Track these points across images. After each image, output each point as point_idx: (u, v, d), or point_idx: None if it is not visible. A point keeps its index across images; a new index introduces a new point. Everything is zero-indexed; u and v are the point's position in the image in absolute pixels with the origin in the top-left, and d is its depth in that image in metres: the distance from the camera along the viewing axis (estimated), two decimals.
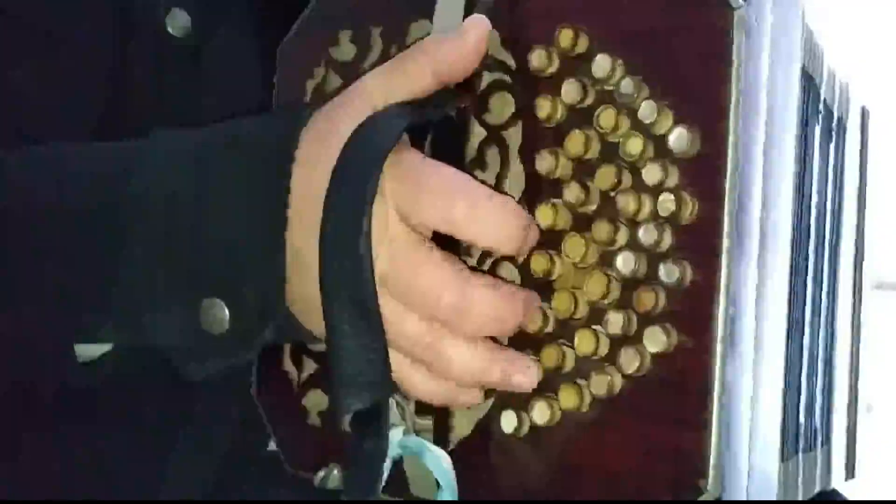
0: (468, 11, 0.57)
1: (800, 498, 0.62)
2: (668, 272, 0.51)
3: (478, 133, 0.57)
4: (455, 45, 0.54)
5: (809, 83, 0.60)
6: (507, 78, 0.57)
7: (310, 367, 0.63)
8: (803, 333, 0.60)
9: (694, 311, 0.51)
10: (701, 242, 0.51)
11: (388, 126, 0.51)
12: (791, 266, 0.54)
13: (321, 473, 0.60)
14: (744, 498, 0.52)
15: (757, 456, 0.52)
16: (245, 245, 0.53)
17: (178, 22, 0.66)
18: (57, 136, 0.61)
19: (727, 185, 0.50)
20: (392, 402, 0.53)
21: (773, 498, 0.53)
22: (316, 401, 0.62)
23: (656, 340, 0.51)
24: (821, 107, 0.61)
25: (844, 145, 0.64)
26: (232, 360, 0.55)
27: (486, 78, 0.57)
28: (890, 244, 0.69)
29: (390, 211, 0.51)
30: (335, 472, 0.60)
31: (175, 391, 0.64)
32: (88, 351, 0.58)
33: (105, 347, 0.58)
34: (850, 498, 0.69)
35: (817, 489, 0.64)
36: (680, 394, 0.51)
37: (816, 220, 0.61)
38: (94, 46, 0.65)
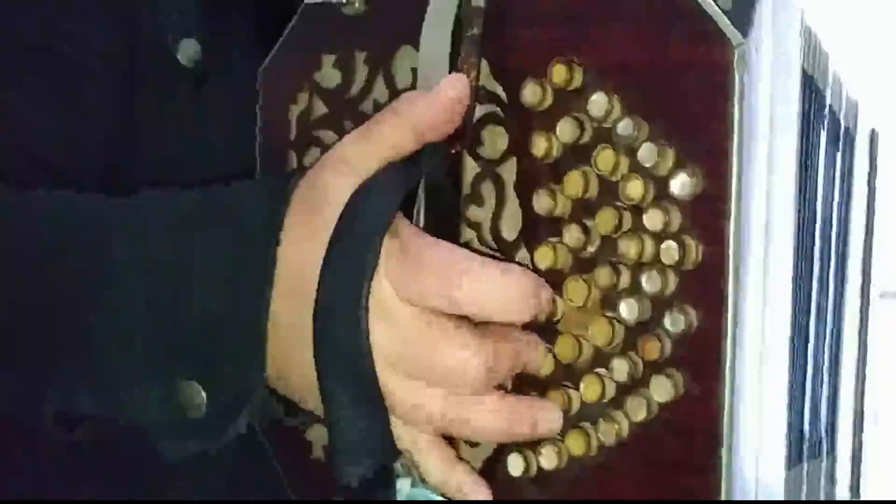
0: (455, 38, 0.55)
1: None
2: (673, 321, 0.50)
3: (471, 167, 0.55)
4: (432, 106, 0.52)
5: (811, 85, 0.58)
6: (499, 111, 0.55)
7: None
8: (808, 343, 0.60)
9: (700, 358, 0.50)
10: (706, 288, 0.49)
11: (384, 195, 0.50)
12: (794, 288, 0.53)
13: None
14: None
15: (764, 473, 0.52)
16: (225, 323, 0.52)
17: (188, 52, 0.64)
18: (66, 163, 0.61)
19: (731, 225, 0.49)
20: (398, 467, 0.53)
21: None
22: (319, 434, 0.62)
23: (663, 391, 0.50)
24: (826, 112, 0.60)
25: (853, 156, 0.62)
26: (210, 443, 0.54)
27: (478, 110, 0.55)
28: (893, 253, 0.68)
29: (387, 286, 0.49)
30: None
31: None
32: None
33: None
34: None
35: (821, 498, 0.64)
36: (688, 440, 0.50)
37: (822, 229, 0.60)
38: (104, 75, 0.63)
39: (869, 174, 0.65)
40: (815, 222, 0.61)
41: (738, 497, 0.50)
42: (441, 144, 0.53)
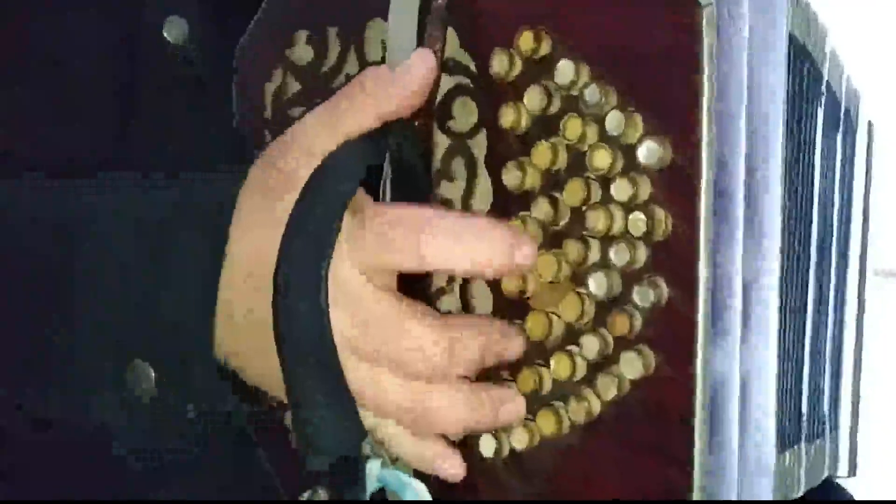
0: (424, 9, 0.54)
1: (802, 487, 0.60)
2: (641, 295, 0.48)
3: (441, 142, 0.54)
4: (399, 84, 0.50)
5: (806, 59, 0.56)
6: (469, 82, 0.53)
7: None
8: (806, 322, 0.58)
9: (671, 333, 0.48)
10: (676, 259, 0.48)
11: (343, 174, 0.49)
12: (784, 258, 0.51)
13: (306, 495, 0.59)
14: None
15: (750, 460, 0.50)
16: (173, 308, 0.51)
17: (176, 29, 0.63)
18: (63, 149, 0.60)
19: (702, 198, 0.47)
20: (367, 447, 0.52)
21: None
22: None
23: (633, 367, 0.48)
24: (822, 88, 0.58)
25: (855, 139, 0.60)
26: (164, 433, 0.54)
27: (447, 82, 0.54)
28: (886, 231, 0.66)
29: (346, 268, 0.48)
30: (320, 493, 0.59)
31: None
32: None
33: None
34: (850, 489, 0.67)
35: (824, 476, 0.62)
36: (662, 422, 0.48)
37: (821, 211, 0.58)
38: (100, 60, 0.63)
39: (867, 159, 0.63)
40: (812, 202, 0.59)
41: (718, 478, 0.49)
42: (403, 122, 0.52)
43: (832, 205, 0.61)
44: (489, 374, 0.52)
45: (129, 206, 0.54)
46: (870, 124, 0.65)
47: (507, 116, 0.51)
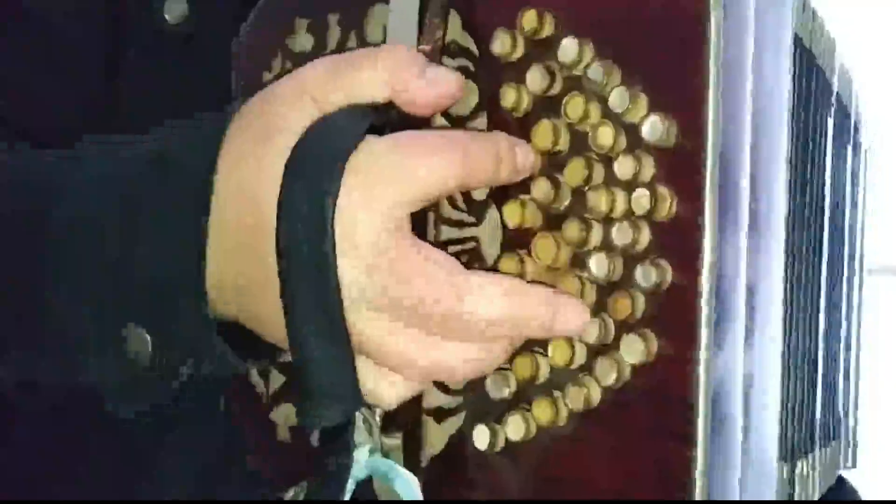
0: None
1: (818, 490, 0.58)
2: (644, 275, 0.47)
3: (441, 125, 0.53)
4: (425, 91, 0.48)
5: (814, 69, 0.56)
6: (470, 65, 0.52)
7: (277, 380, 0.59)
8: (818, 324, 0.57)
9: (674, 316, 0.46)
10: (680, 240, 0.46)
11: (348, 121, 0.47)
12: (789, 253, 0.50)
13: (291, 492, 0.57)
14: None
15: (753, 459, 0.48)
16: (166, 267, 0.49)
17: (175, 10, 0.63)
18: (50, 121, 0.59)
19: (707, 178, 0.46)
20: (359, 417, 0.50)
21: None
22: (285, 415, 0.59)
23: (634, 351, 0.47)
24: (833, 99, 0.57)
25: (861, 152, 0.60)
26: (158, 395, 0.52)
27: (449, 65, 0.53)
28: (880, 228, 0.65)
29: (356, 212, 0.46)
30: (305, 491, 0.57)
31: None
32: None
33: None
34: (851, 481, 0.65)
35: (838, 472, 0.61)
36: (662, 406, 0.47)
37: (831, 215, 0.57)
38: (90, 34, 0.62)
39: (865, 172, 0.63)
40: (822, 210, 0.58)
41: (722, 470, 0.47)
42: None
43: (841, 213, 0.60)
44: None
45: (106, 156, 0.53)
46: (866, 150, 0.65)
47: (508, 96, 0.50)
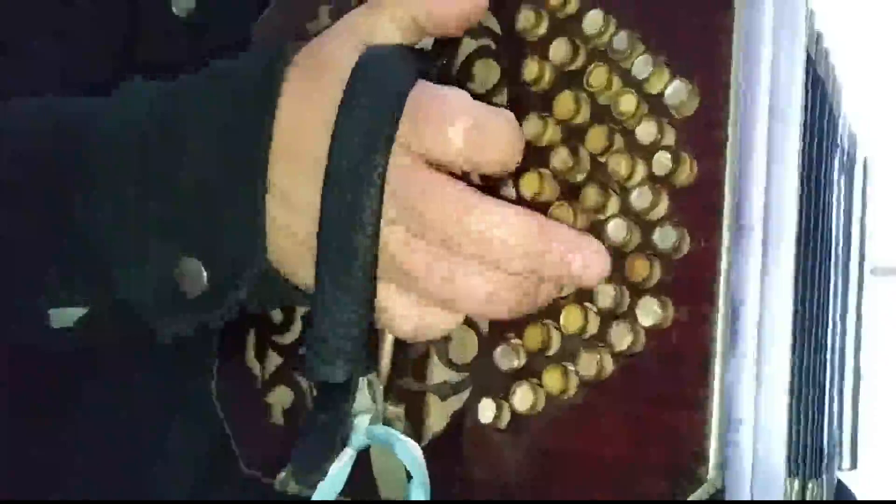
0: None
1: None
2: (663, 236, 0.46)
3: None
4: (453, 2, 0.50)
5: (827, 110, 0.57)
6: (492, 44, 0.53)
7: (274, 361, 0.58)
8: (826, 353, 0.56)
9: (692, 281, 0.46)
10: (700, 204, 0.46)
11: (397, 63, 0.48)
12: (798, 242, 0.50)
13: (282, 474, 0.55)
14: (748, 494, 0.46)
15: (763, 446, 0.47)
16: (221, 191, 0.49)
17: (182, 2, 0.64)
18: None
19: (729, 143, 0.46)
20: (363, 383, 0.48)
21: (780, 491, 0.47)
22: (281, 398, 0.57)
23: (650, 312, 0.46)
24: (839, 140, 0.58)
25: (853, 181, 0.61)
26: (207, 320, 0.51)
27: (470, 45, 0.53)
28: (883, 229, 0.66)
29: (397, 147, 0.47)
30: (291, 482, 0.55)
31: (166, 367, 0.61)
32: (63, 315, 0.53)
33: (80, 311, 0.53)
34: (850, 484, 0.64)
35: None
36: (676, 371, 0.46)
37: (836, 227, 0.57)
38: (109, 16, 0.63)
39: (863, 197, 0.64)
40: (831, 236, 0.58)
41: (731, 437, 0.45)
42: (431, 50, 0.51)
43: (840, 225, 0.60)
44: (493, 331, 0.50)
45: (144, 83, 0.53)
46: (865, 163, 0.66)
47: (531, 70, 0.50)
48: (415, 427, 0.52)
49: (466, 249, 0.46)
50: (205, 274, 0.49)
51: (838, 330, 0.58)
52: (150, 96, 0.52)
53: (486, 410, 0.49)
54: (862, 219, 0.63)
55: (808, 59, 0.54)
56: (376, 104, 0.46)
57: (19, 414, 0.63)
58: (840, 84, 0.59)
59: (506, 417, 0.49)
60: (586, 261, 0.46)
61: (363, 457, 0.50)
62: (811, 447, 0.56)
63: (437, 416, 0.52)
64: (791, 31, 0.49)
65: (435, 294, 0.47)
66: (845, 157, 0.61)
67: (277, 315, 0.58)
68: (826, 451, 0.56)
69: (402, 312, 0.48)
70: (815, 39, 0.57)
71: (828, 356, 0.58)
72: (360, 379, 0.48)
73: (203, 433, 0.63)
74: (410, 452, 0.48)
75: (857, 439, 0.61)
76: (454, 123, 0.46)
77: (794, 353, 0.48)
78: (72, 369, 0.63)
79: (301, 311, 0.57)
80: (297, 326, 0.57)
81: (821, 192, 0.56)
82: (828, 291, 0.57)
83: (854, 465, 0.61)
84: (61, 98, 0.55)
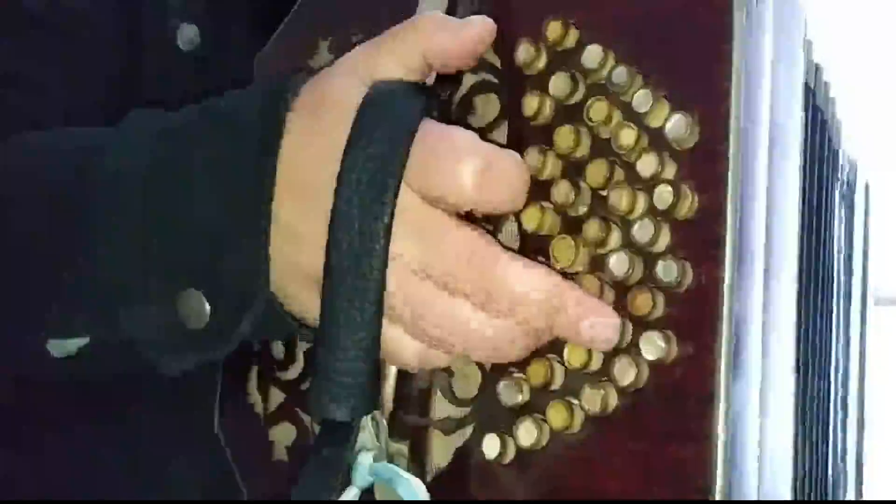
0: (451, 8, 0.54)
1: None
2: (665, 269, 0.46)
3: None
4: (456, 34, 0.50)
5: (830, 148, 0.57)
6: (493, 78, 0.53)
7: (277, 398, 0.58)
8: (829, 363, 0.56)
9: (695, 315, 0.45)
10: (702, 238, 0.46)
11: (405, 98, 0.48)
12: (799, 273, 0.50)
13: None
14: None
15: (768, 475, 0.46)
16: (224, 227, 0.49)
17: (187, 36, 0.64)
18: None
19: (730, 175, 0.46)
20: (366, 420, 0.48)
21: None
22: (284, 434, 0.57)
23: (653, 346, 0.46)
24: (840, 174, 0.59)
25: (854, 209, 0.61)
26: (209, 355, 0.51)
27: (471, 79, 0.53)
28: (883, 259, 0.66)
29: (407, 192, 0.47)
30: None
31: (169, 399, 0.61)
32: (63, 346, 0.53)
33: (81, 341, 0.53)
34: None
35: None
36: (680, 406, 0.45)
37: (837, 257, 0.57)
38: (108, 46, 0.63)
39: (865, 220, 0.63)
40: (833, 267, 0.58)
41: (737, 471, 0.45)
42: (435, 86, 0.51)
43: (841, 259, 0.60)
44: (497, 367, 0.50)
45: (151, 117, 0.53)
46: (867, 187, 0.66)
47: (531, 105, 0.51)
48: (418, 463, 0.51)
49: (477, 296, 0.46)
50: (207, 306, 0.49)
51: (841, 360, 0.58)
52: (154, 133, 0.52)
53: (491, 446, 0.49)
54: (864, 248, 0.63)
55: (807, 89, 0.54)
56: (386, 141, 0.46)
57: (20, 444, 0.63)
58: (839, 117, 0.59)
59: (511, 453, 0.49)
60: (597, 325, 0.46)
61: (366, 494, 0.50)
62: (816, 477, 0.56)
63: (441, 451, 0.51)
64: (789, 63, 0.49)
65: (437, 337, 0.47)
66: (845, 187, 0.60)
67: (280, 351, 0.58)
68: (831, 480, 0.56)
69: (406, 345, 0.48)
70: (813, 70, 0.57)
71: (831, 387, 0.58)
72: (364, 417, 0.48)
73: (205, 465, 0.63)
74: (414, 491, 0.48)
75: (863, 468, 0.60)
76: (464, 165, 0.46)
77: (797, 383, 0.48)
78: (71, 401, 0.63)
79: (303, 346, 0.57)
80: (300, 363, 0.57)
81: (822, 222, 0.56)
82: (830, 322, 0.56)
83: (859, 494, 0.60)
84: (65, 131, 0.56)
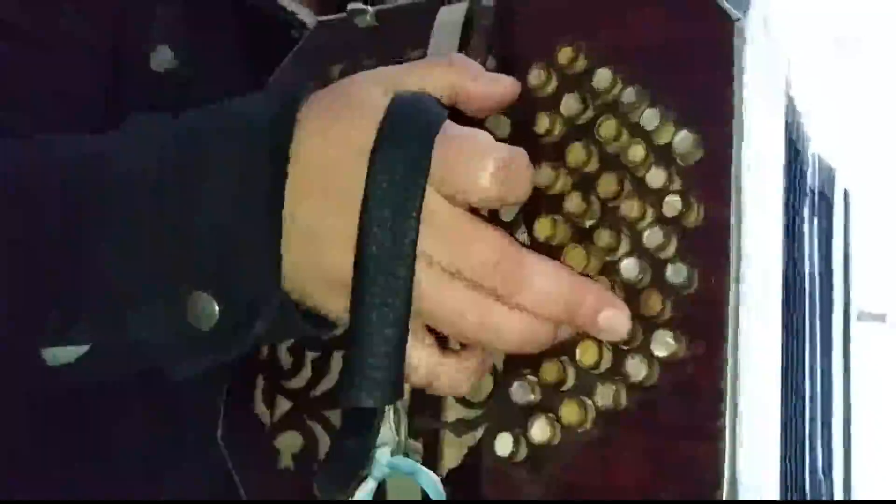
0: (465, 37, 0.58)
1: None
2: (676, 272, 0.49)
3: None
4: (487, 87, 0.53)
5: (797, 163, 0.61)
6: None
7: (283, 406, 0.59)
8: (804, 393, 0.59)
9: (703, 316, 0.49)
10: (709, 244, 0.49)
11: (432, 102, 0.50)
12: (784, 282, 0.53)
13: None
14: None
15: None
16: (236, 228, 0.50)
17: (160, 58, 0.65)
18: None
19: (733, 182, 0.49)
20: (389, 413, 0.50)
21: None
22: (290, 442, 0.58)
23: (664, 344, 0.49)
24: (808, 189, 0.62)
25: (832, 218, 0.65)
26: (221, 357, 0.51)
27: None
28: (866, 276, 0.69)
29: (429, 186, 0.49)
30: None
31: (161, 412, 0.61)
32: (62, 354, 0.52)
33: (80, 350, 0.53)
34: None
35: None
36: (690, 403, 0.48)
37: (809, 268, 0.60)
38: (87, 77, 0.63)
39: (844, 226, 0.67)
40: (803, 274, 0.61)
41: (742, 466, 0.47)
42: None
43: (816, 274, 0.64)
44: (508, 369, 0.52)
45: (155, 122, 0.54)
46: (846, 193, 0.69)
47: (542, 123, 0.54)
48: (430, 462, 0.53)
49: (504, 293, 0.48)
50: (216, 307, 0.50)
51: (818, 378, 0.61)
52: (161, 136, 0.53)
53: (504, 444, 0.51)
54: (845, 259, 0.67)
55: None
56: (416, 141, 0.48)
57: (11, 456, 0.62)
58: (806, 131, 0.63)
59: (523, 451, 0.51)
60: (612, 316, 0.49)
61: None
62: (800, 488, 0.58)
63: (452, 452, 0.53)
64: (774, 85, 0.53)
65: (467, 332, 0.49)
66: (816, 198, 0.64)
67: (287, 360, 0.59)
68: (816, 486, 0.59)
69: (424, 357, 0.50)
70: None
71: (807, 405, 0.61)
72: (387, 407, 0.50)
73: (201, 478, 0.63)
74: (433, 482, 0.49)
75: (851, 478, 0.63)
76: (485, 166, 0.48)
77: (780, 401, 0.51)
78: (64, 413, 0.62)
79: (311, 356, 0.59)
80: (307, 371, 0.58)
81: (793, 235, 0.59)
82: (803, 338, 0.60)
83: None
84: (59, 138, 0.56)
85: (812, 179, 0.63)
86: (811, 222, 0.63)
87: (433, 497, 0.49)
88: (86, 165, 0.53)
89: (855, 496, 0.63)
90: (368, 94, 0.51)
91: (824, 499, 0.60)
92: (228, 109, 0.53)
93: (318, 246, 0.50)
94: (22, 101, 0.62)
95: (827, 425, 0.61)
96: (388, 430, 0.50)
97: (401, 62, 0.58)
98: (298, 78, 0.63)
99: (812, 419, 0.59)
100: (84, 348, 0.52)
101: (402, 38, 0.60)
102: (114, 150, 0.53)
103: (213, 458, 0.61)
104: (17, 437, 0.62)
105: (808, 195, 0.63)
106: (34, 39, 0.63)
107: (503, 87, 0.53)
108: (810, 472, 0.60)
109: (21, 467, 0.62)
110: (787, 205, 0.59)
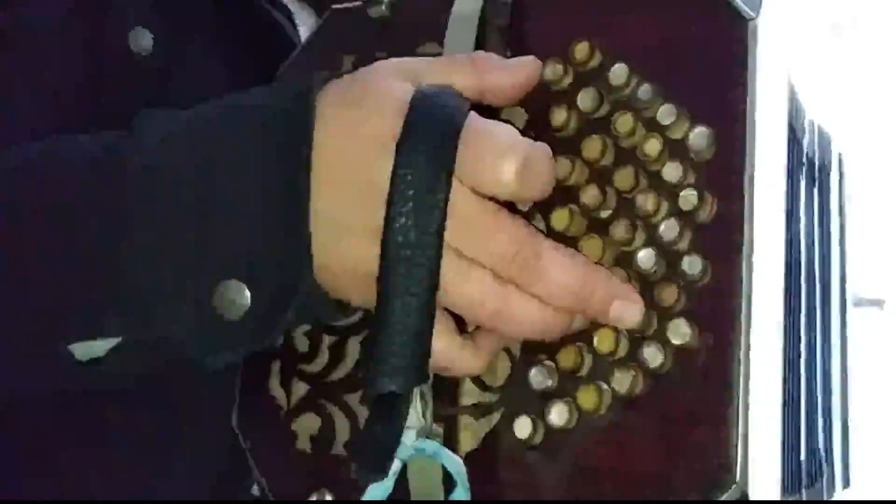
0: (481, 31, 0.59)
1: None
2: (691, 264, 0.51)
3: None
4: (513, 74, 0.54)
5: (793, 139, 0.63)
6: None
7: (300, 390, 0.60)
8: (800, 372, 0.61)
9: (716, 307, 0.51)
10: (721, 238, 0.51)
11: (455, 94, 0.51)
12: (786, 272, 0.55)
13: (314, 496, 0.57)
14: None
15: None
16: (262, 219, 0.51)
17: (139, 40, 0.64)
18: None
19: (745, 185, 0.51)
20: (416, 396, 0.51)
21: None
22: (307, 425, 0.59)
23: (680, 332, 0.51)
24: (804, 159, 0.64)
25: (829, 189, 0.67)
26: (253, 346, 0.53)
27: None
28: (863, 261, 0.71)
29: (454, 178, 0.50)
30: (327, 497, 0.57)
31: (170, 406, 0.62)
32: (91, 348, 0.53)
33: (110, 343, 0.53)
34: None
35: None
36: (702, 391, 0.50)
37: (807, 254, 0.63)
38: (68, 68, 0.63)
39: (840, 198, 0.69)
40: (799, 249, 0.63)
41: (751, 451, 0.50)
42: None
43: (813, 249, 0.66)
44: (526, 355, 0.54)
45: (171, 117, 0.54)
46: (840, 158, 0.71)
47: (558, 116, 0.55)
48: (448, 446, 0.54)
49: (523, 282, 0.50)
50: (247, 295, 0.51)
51: (817, 364, 0.63)
52: (179, 131, 0.53)
53: (523, 427, 0.53)
54: (841, 235, 0.69)
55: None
56: (440, 133, 0.50)
57: (24, 443, 0.63)
58: (802, 105, 0.65)
59: (539, 435, 0.53)
60: (626, 305, 0.51)
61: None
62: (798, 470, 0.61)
63: (468, 435, 0.55)
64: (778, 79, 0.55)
65: (484, 320, 0.51)
66: (815, 171, 0.66)
67: (304, 344, 0.60)
68: (815, 472, 0.61)
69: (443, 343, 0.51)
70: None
71: (801, 389, 0.63)
72: (415, 390, 0.51)
73: (209, 462, 0.65)
74: (457, 464, 0.51)
75: (849, 463, 0.66)
76: (507, 160, 0.50)
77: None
78: (72, 401, 0.63)
79: (328, 340, 0.60)
80: (325, 355, 0.60)
81: (792, 213, 0.61)
82: (798, 323, 0.62)
83: (847, 485, 0.66)
84: (67, 137, 0.56)
85: (809, 148, 0.65)
86: (809, 194, 0.65)
87: (457, 477, 0.51)
88: (109, 162, 0.53)
89: (853, 481, 0.66)
90: (388, 83, 0.52)
91: (824, 481, 0.62)
92: (246, 100, 0.54)
93: (338, 236, 0.51)
94: (5, 101, 0.61)
95: (826, 410, 0.63)
96: (415, 413, 0.52)
97: (413, 55, 0.60)
98: (312, 67, 0.63)
99: (811, 404, 0.61)
100: (113, 342, 0.53)
101: (417, 27, 0.61)
102: (135, 147, 0.53)
103: (223, 443, 0.62)
104: (28, 429, 0.63)
105: (804, 164, 0.65)
106: (13, 38, 0.62)
107: (527, 71, 0.54)
108: (808, 455, 0.63)
109: (28, 456, 0.63)
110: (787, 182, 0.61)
